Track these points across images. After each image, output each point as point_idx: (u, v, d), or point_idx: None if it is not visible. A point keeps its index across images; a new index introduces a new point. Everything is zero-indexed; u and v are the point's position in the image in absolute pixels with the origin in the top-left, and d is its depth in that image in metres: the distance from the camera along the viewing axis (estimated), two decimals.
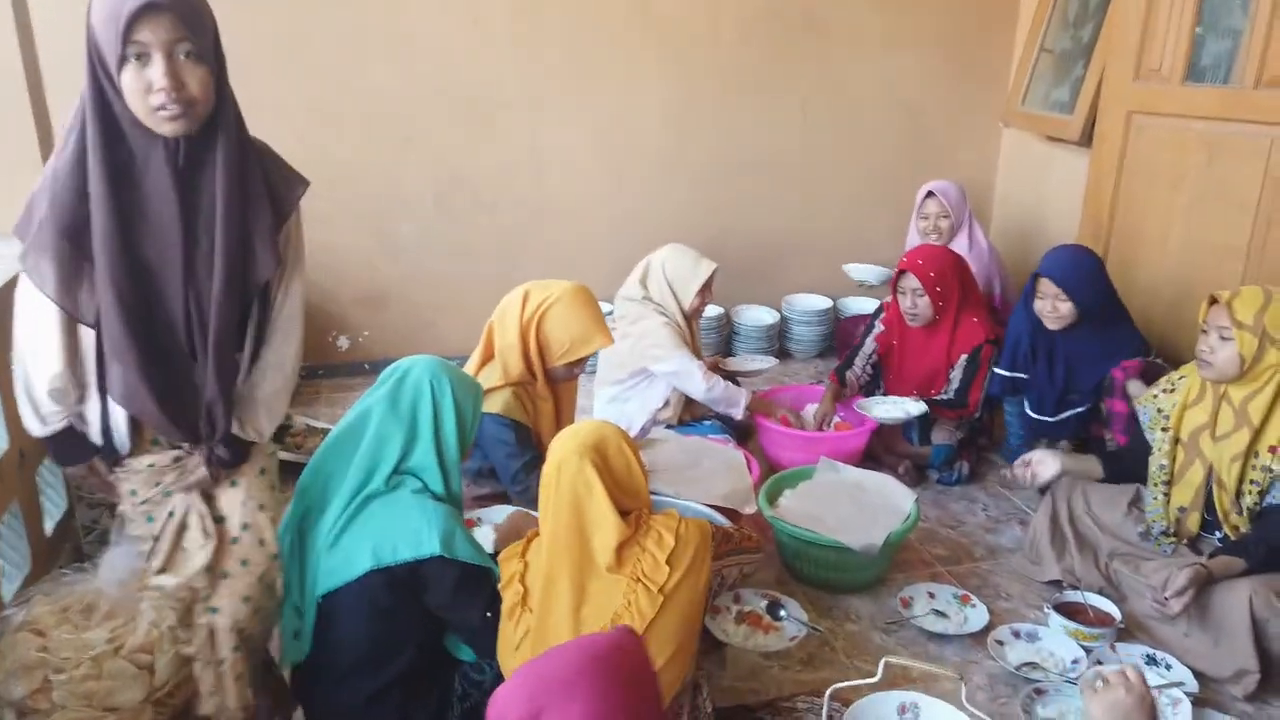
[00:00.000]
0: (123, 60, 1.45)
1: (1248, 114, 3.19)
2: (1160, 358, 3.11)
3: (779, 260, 4.49)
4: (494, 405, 2.65)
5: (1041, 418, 3.21)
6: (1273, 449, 2.32)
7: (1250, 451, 2.35)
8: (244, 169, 1.59)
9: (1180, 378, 2.58)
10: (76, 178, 1.51)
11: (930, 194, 3.78)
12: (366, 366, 4.16)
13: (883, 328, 3.50)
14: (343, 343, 4.16)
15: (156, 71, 1.46)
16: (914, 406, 3.21)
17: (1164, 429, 2.55)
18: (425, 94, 3.89)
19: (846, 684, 1.61)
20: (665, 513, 1.98)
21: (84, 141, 1.50)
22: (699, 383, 3.20)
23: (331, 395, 3.98)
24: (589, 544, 1.85)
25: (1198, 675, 2.32)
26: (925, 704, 1.61)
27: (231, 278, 1.59)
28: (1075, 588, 2.60)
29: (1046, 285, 3.06)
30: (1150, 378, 2.88)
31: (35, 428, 1.66)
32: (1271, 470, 2.32)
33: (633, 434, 3.26)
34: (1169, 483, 2.55)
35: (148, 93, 1.47)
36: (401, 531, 1.87)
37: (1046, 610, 2.52)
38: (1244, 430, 2.35)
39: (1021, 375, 3.22)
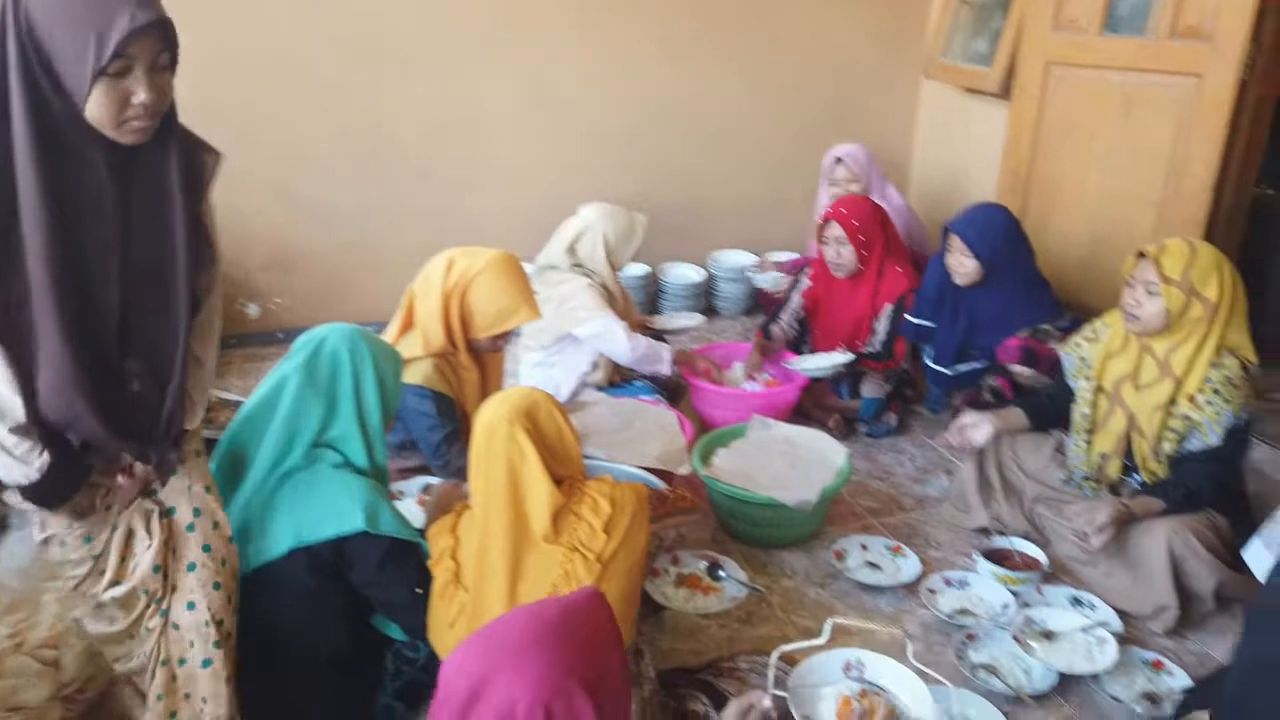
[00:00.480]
0: (99, 74, 1.31)
1: (1162, 64, 3.24)
2: (1074, 320, 3.17)
3: (705, 218, 4.45)
4: (414, 376, 2.55)
5: (939, 368, 3.26)
6: (1191, 398, 2.38)
7: (1171, 401, 2.40)
8: (188, 164, 1.49)
9: (1104, 326, 2.62)
10: None
11: (838, 160, 3.77)
12: (280, 335, 3.99)
13: (809, 282, 3.50)
14: (252, 310, 3.98)
15: (139, 86, 1.35)
16: (841, 357, 3.22)
17: (1087, 378, 2.60)
18: (329, 44, 3.69)
19: (793, 646, 1.59)
20: (600, 478, 1.94)
21: None
22: (623, 343, 3.14)
23: (244, 365, 3.81)
24: (523, 514, 1.80)
25: (1120, 614, 2.39)
26: (870, 660, 1.60)
27: (188, 275, 1.48)
28: (1002, 534, 2.65)
29: (954, 240, 3.09)
30: (1031, 360, 2.95)
31: (20, 475, 1.43)
32: (1190, 419, 2.38)
33: (561, 399, 3.19)
34: (1091, 430, 2.60)
35: (123, 106, 1.35)
36: (323, 508, 1.79)
37: (975, 557, 2.56)
38: (1167, 381, 2.40)
39: (929, 324, 3.26)
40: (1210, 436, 2.36)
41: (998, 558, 2.54)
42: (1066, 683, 2.18)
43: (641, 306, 4.22)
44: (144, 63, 1.34)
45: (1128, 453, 2.55)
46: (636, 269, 4.16)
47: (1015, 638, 2.25)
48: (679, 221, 4.33)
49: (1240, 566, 2.44)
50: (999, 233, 3.10)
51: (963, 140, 4.37)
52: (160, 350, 1.49)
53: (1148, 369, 2.44)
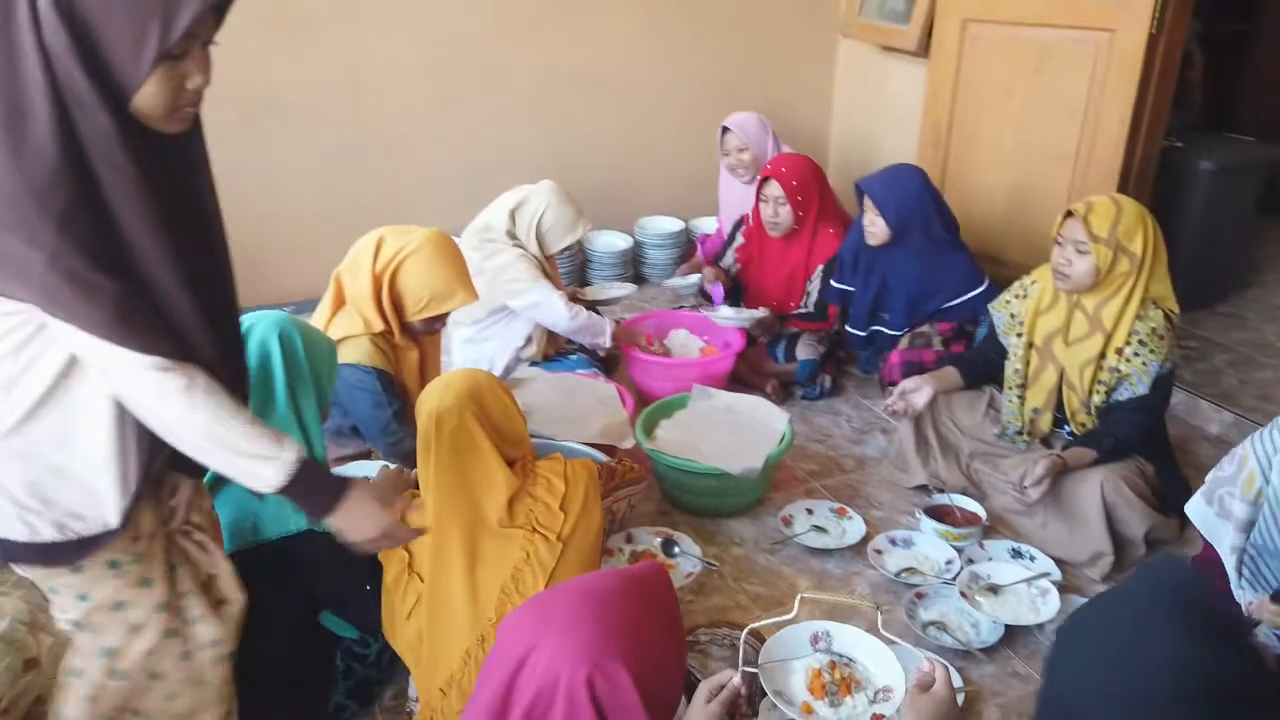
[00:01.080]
0: (163, 57, 1.16)
1: (1075, 20, 3.29)
2: (993, 286, 3.22)
3: (630, 184, 4.38)
4: (352, 355, 2.44)
5: (854, 331, 3.30)
6: (1119, 350, 2.44)
7: (1101, 355, 2.46)
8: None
9: (1032, 283, 2.66)
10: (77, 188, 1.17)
11: (726, 129, 3.75)
12: None
13: (743, 240, 3.49)
14: None
15: (195, 69, 1.21)
16: (758, 312, 3.25)
17: (1018, 334, 2.64)
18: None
19: (763, 622, 1.58)
20: (550, 457, 1.90)
21: (68, 146, 1.15)
22: (561, 312, 3.07)
23: None
24: (477, 501, 1.75)
25: (1058, 563, 2.46)
26: (837, 631, 1.59)
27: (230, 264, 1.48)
28: (941, 491, 2.70)
29: (867, 200, 3.10)
30: (916, 370, 2.96)
31: (270, 474, 1.35)
32: (1119, 370, 2.45)
33: (496, 374, 3.11)
34: (1024, 386, 2.65)
35: (179, 92, 1.21)
36: (261, 507, 1.69)
37: (918, 515, 2.60)
38: (1097, 336, 2.45)
39: (849, 288, 3.29)
40: (1139, 387, 2.43)
41: (939, 515, 2.59)
42: (1013, 634, 2.23)
43: (569, 276, 4.15)
44: (201, 41, 1.21)
45: (1058, 406, 2.62)
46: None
47: (962, 594, 2.30)
48: (604, 188, 4.25)
49: (1167, 510, 2.54)
50: (909, 193, 3.09)
51: (881, 100, 4.39)
52: (230, 329, 1.45)
53: (1078, 324, 2.49)
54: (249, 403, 1.47)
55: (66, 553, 1.34)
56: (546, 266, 3.14)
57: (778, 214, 3.27)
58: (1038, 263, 3.61)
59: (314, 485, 1.40)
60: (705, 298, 3.58)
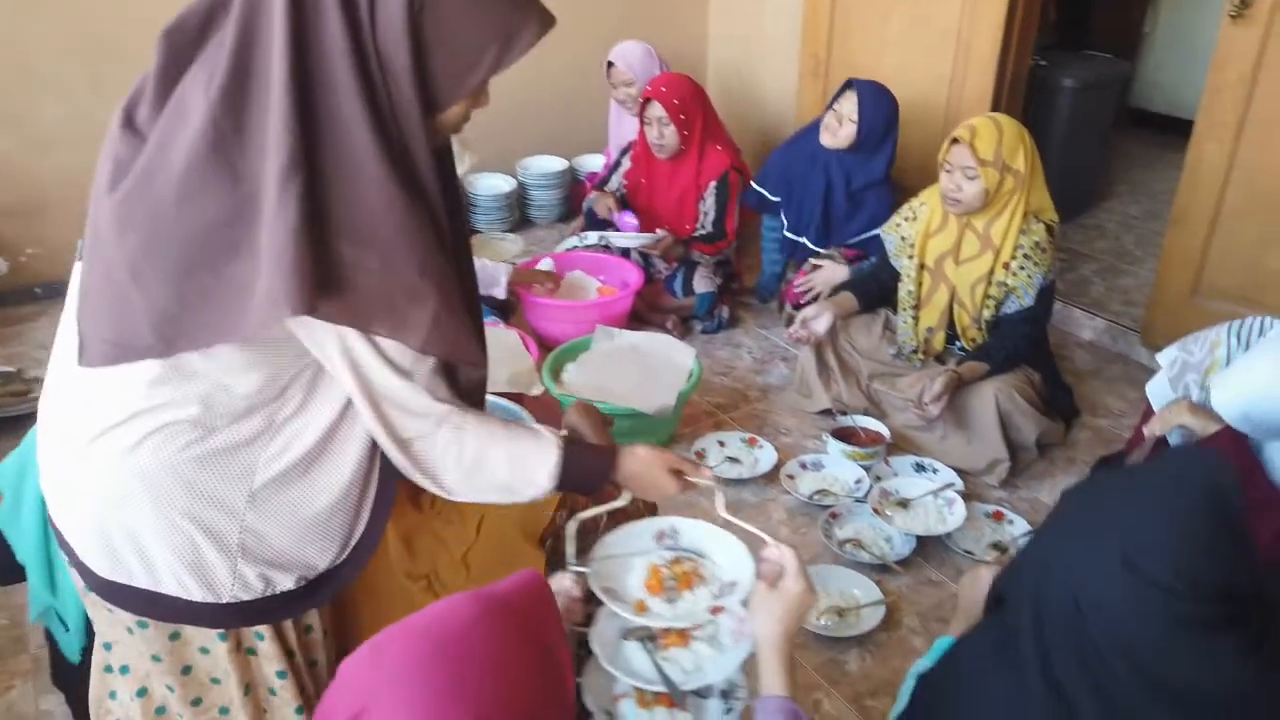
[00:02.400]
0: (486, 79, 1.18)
1: None
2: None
3: (509, 123, 4.21)
4: None
5: (795, 238, 3.33)
6: (1006, 265, 2.53)
7: (991, 272, 2.54)
8: None
9: (921, 205, 2.72)
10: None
11: (610, 63, 3.67)
12: (38, 291, 3.50)
13: (630, 164, 3.45)
14: (0, 265, 3.45)
15: (486, 93, 1.23)
16: (657, 234, 3.26)
17: (910, 256, 2.71)
18: None
19: (590, 511, 1.44)
20: None
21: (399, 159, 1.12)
22: None
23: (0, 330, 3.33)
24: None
25: (958, 473, 2.56)
26: (685, 526, 1.48)
27: None
28: (844, 413, 2.77)
29: (849, 98, 3.09)
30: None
31: (548, 464, 1.32)
32: (1007, 285, 2.54)
33: None
34: (917, 306, 2.73)
35: (468, 115, 1.22)
36: None
37: (825, 439, 2.66)
38: (988, 254, 2.53)
39: (773, 197, 3.32)
40: (1025, 299, 2.54)
41: (845, 436, 2.66)
42: (924, 545, 2.33)
43: None
44: None
45: (950, 324, 2.71)
46: None
47: (874, 510, 2.38)
48: (482, 128, 4.06)
49: (1052, 415, 2.69)
50: (887, 109, 3.13)
51: (756, 28, 4.36)
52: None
53: (969, 243, 2.57)
54: None
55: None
56: None
57: (663, 135, 3.23)
58: (922, 184, 3.69)
59: (582, 472, 1.35)
60: (605, 226, 3.47)
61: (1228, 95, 2.73)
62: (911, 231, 2.71)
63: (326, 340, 1.14)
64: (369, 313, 1.10)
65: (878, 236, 3.10)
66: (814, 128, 3.25)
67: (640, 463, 1.40)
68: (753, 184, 3.35)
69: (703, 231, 3.33)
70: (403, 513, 1.49)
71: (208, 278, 1.08)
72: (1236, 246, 2.85)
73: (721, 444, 2.68)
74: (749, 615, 1.32)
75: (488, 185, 4.15)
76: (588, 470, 1.35)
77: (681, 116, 3.20)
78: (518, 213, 4.20)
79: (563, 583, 1.32)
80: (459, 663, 0.94)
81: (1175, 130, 5.02)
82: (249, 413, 1.19)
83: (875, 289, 2.86)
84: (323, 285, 1.06)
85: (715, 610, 1.36)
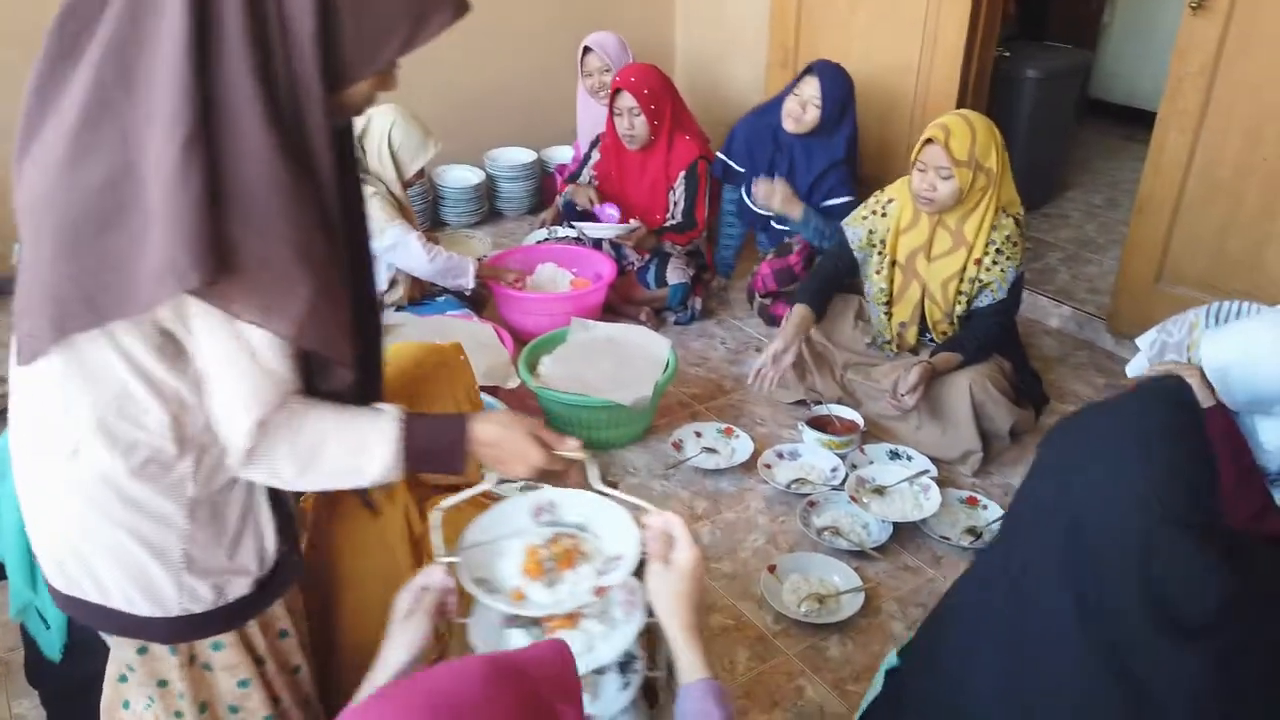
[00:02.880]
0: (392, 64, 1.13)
1: None
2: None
3: (476, 114, 4.20)
4: None
5: (756, 209, 3.36)
6: (978, 261, 2.55)
7: (964, 269, 2.56)
8: None
9: (889, 201, 2.70)
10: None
11: (587, 49, 3.66)
12: None
13: (599, 155, 3.44)
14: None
15: (394, 77, 1.18)
16: (631, 224, 3.26)
17: (880, 253, 2.71)
18: None
19: (451, 500, 1.33)
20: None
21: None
22: (419, 255, 2.93)
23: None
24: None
25: (931, 460, 2.60)
26: (562, 498, 1.38)
27: None
28: (819, 403, 2.78)
29: (810, 82, 3.11)
30: (788, 278, 3.15)
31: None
32: (980, 280, 2.56)
33: None
34: (890, 303, 2.75)
35: (373, 98, 1.17)
36: None
37: (800, 428, 2.68)
38: (961, 250, 2.55)
39: (738, 167, 3.35)
40: (999, 293, 2.56)
41: (820, 425, 2.68)
42: (901, 531, 2.36)
43: (422, 216, 3.98)
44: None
45: (922, 318, 2.72)
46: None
47: (852, 498, 2.40)
48: (449, 120, 4.04)
49: (1024, 403, 2.73)
50: (845, 88, 3.18)
51: (724, 19, 4.36)
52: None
53: (941, 240, 2.58)
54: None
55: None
56: (404, 202, 2.98)
57: (633, 125, 3.23)
58: (889, 174, 3.72)
59: (431, 442, 1.23)
60: (585, 218, 3.46)
61: (1189, 85, 2.78)
62: (881, 227, 2.71)
63: (194, 322, 1.07)
64: (241, 296, 1.03)
65: (837, 214, 3.11)
66: (776, 104, 3.27)
67: (497, 429, 1.26)
68: (718, 154, 3.37)
69: (673, 222, 3.33)
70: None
71: (96, 250, 1.01)
72: (1198, 233, 2.91)
73: (698, 434, 2.69)
74: (652, 598, 1.21)
75: (456, 177, 4.11)
76: (437, 441, 1.24)
77: (651, 107, 3.20)
78: (486, 205, 4.17)
79: (433, 576, 1.22)
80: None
81: (1133, 120, 5.13)
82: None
83: (831, 290, 2.82)
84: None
85: (599, 591, 1.25)
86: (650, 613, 1.23)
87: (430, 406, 1.54)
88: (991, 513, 2.42)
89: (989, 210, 2.51)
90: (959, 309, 2.62)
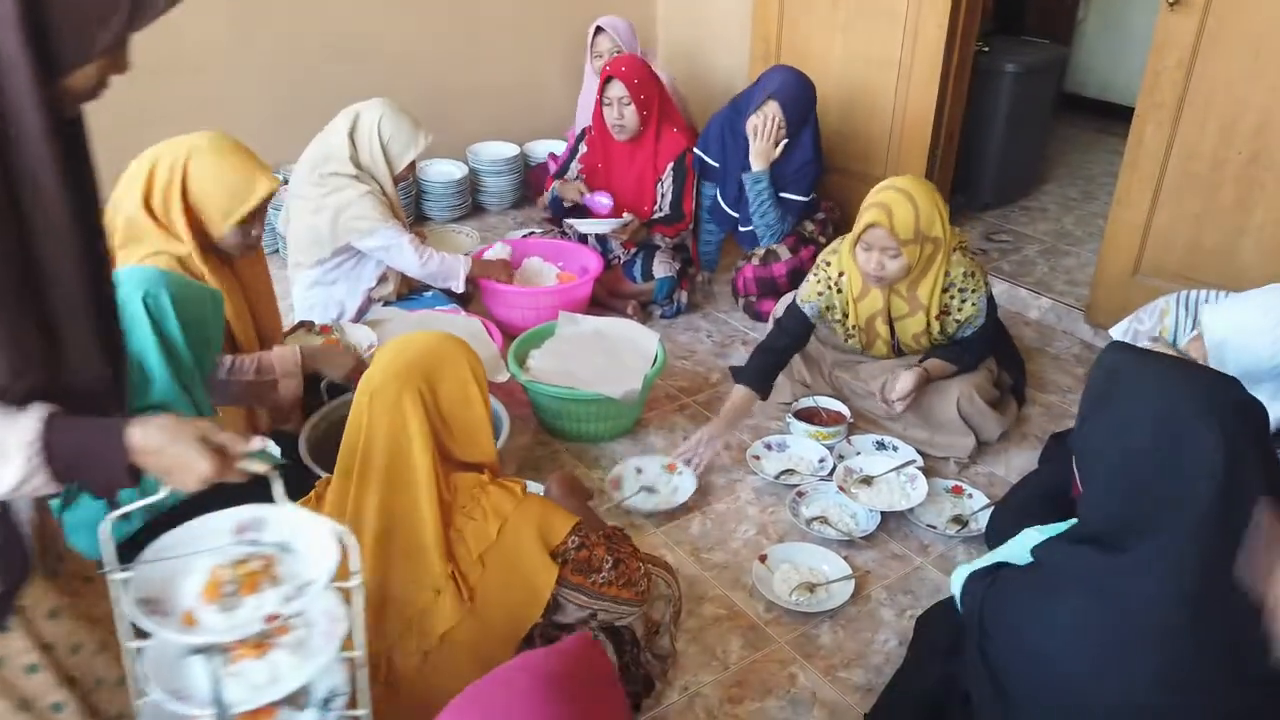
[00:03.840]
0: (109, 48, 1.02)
1: None
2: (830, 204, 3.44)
3: (459, 108, 4.19)
4: None
5: (725, 207, 3.42)
6: (945, 311, 2.56)
7: (928, 325, 2.58)
8: None
9: (840, 275, 2.61)
10: None
11: (600, 29, 3.67)
12: None
13: (586, 149, 3.44)
14: None
15: (126, 59, 1.07)
16: (625, 218, 3.27)
17: (839, 322, 2.69)
18: None
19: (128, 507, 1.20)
20: (509, 485, 1.57)
21: None
22: (411, 257, 2.92)
23: None
24: (395, 506, 1.49)
25: (918, 452, 2.62)
26: (270, 515, 1.25)
27: None
28: (807, 395, 2.80)
29: (772, 107, 3.16)
30: (770, 288, 3.19)
31: None
32: (957, 320, 2.57)
33: (346, 319, 2.96)
34: (863, 350, 2.77)
35: (103, 82, 1.07)
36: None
37: (788, 419, 2.71)
38: (919, 314, 2.55)
39: (713, 162, 3.38)
40: (978, 320, 2.58)
41: (807, 416, 2.70)
42: (888, 520, 2.39)
43: (406, 211, 3.96)
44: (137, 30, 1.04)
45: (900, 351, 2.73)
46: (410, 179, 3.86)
47: (840, 488, 2.43)
48: (431, 114, 4.01)
49: (1007, 404, 2.76)
50: (807, 99, 3.24)
51: (706, 13, 4.38)
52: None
53: (897, 306, 2.57)
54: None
55: None
56: (394, 202, 2.97)
57: (623, 115, 3.24)
58: (869, 168, 3.79)
59: (79, 448, 1.07)
60: (574, 213, 3.46)
61: (1166, 79, 2.83)
62: (838, 301, 2.64)
63: None
64: None
65: (792, 210, 3.25)
66: (748, 100, 3.30)
67: (159, 435, 1.09)
68: (694, 150, 3.40)
69: (661, 214, 3.35)
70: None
71: None
72: (1175, 226, 2.96)
73: (639, 470, 2.54)
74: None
75: (439, 172, 4.10)
76: (87, 448, 1.07)
77: (641, 96, 3.22)
78: (469, 199, 4.17)
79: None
80: (566, 693, 0.97)
81: (1108, 115, 5.20)
82: None
83: (778, 369, 2.68)
84: None
85: (270, 619, 1.13)
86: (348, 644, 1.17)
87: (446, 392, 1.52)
88: (977, 501, 2.46)
89: (940, 272, 2.49)
90: (939, 341, 2.64)
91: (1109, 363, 1.35)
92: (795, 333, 2.65)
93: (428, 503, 1.47)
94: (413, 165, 2.99)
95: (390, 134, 2.86)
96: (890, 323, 2.61)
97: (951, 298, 2.54)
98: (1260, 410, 1.24)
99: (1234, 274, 2.84)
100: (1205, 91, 2.78)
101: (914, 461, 2.55)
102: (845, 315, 2.64)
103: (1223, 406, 1.20)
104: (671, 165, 3.33)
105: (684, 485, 2.49)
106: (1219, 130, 2.79)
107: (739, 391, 2.57)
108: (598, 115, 3.34)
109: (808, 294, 2.64)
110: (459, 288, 3.04)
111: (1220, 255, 2.89)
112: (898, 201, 2.40)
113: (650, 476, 2.52)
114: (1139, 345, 2.00)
